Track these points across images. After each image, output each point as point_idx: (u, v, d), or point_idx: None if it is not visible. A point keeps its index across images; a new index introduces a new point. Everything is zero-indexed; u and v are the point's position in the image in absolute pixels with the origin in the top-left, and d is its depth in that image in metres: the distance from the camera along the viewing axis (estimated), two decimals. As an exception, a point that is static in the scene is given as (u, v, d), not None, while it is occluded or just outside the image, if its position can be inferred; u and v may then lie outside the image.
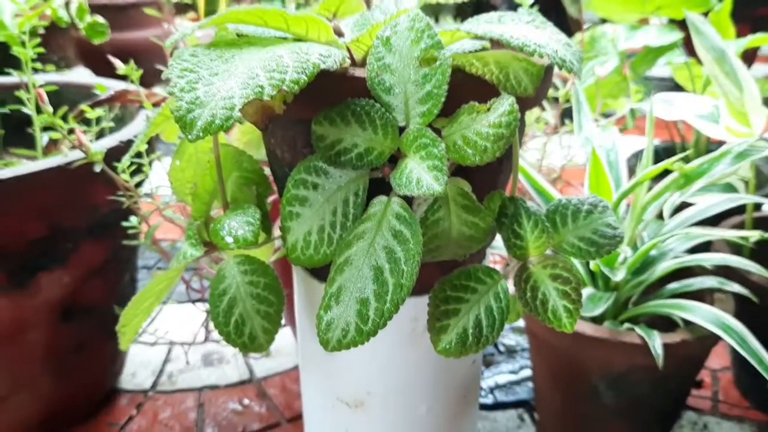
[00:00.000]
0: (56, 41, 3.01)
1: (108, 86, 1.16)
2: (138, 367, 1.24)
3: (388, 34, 0.50)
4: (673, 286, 0.96)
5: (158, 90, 1.10)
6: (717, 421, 1.11)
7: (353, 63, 0.57)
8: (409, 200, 0.52)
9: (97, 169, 0.79)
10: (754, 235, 0.87)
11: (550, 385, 0.99)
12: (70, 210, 0.93)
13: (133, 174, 0.88)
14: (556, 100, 1.20)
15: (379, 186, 0.53)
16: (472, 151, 0.48)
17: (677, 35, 1.37)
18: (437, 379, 0.67)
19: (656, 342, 0.83)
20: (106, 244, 1.00)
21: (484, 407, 1.14)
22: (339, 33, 0.57)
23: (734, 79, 1.02)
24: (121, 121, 1.13)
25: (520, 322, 1.35)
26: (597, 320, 0.94)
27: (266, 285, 0.60)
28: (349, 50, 0.56)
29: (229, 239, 0.58)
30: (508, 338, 1.31)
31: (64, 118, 1.00)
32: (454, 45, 0.56)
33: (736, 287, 0.93)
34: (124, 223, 0.91)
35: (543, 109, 1.17)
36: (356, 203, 0.54)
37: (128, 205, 0.86)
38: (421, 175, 0.47)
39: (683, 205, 1.01)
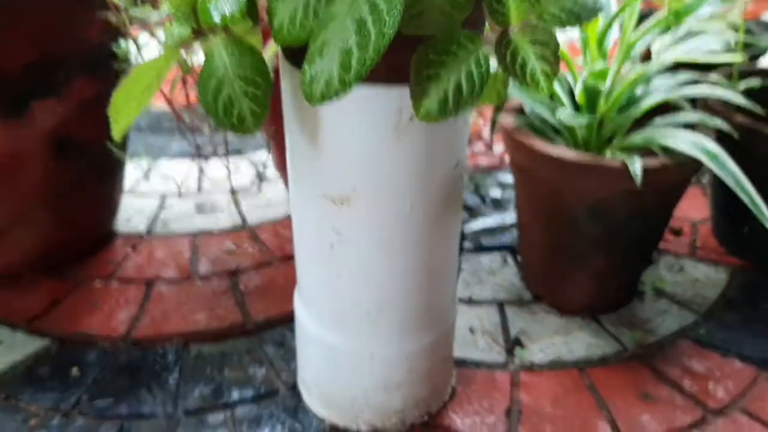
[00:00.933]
0: None
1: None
2: (133, 214, 1.27)
3: None
4: (658, 121, 0.98)
5: None
6: (693, 264, 1.15)
7: None
8: (393, -38, 0.52)
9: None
10: (738, 60, 0.88)
11: (533, 220, 1.02)
12: (61, 36, 0.93)
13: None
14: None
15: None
16: None
17: None
18: (421, 175, 0.69)
19: (636, 165, 0.85)
20: (98, 78, 1.01)
21: (469, 250, 1.18)
22: None
23: None
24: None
25: (508, 178, 1.37)
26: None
27: (253, 66, 0.61)
28: None
29: (216, 15, 0.59)
30: (494, 191, 1.34)
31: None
32: None
33: (719, 122, 0.95)
34: (115, 49, 0.91)
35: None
36: (341, -28, 0.55)
37: (117, 25, 0.86)
38: None
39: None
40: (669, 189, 0.94)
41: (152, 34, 0.87)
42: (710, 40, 1.00)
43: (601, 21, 0.92)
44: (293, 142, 0.73)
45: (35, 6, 0.88)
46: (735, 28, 1.14)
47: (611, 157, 0.90)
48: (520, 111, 1.02)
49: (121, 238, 1.21)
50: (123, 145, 1.14)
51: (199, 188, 1.35)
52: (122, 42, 0.90)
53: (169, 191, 1.34)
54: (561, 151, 0.90)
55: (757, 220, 0.84)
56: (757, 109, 0.96)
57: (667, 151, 0.91)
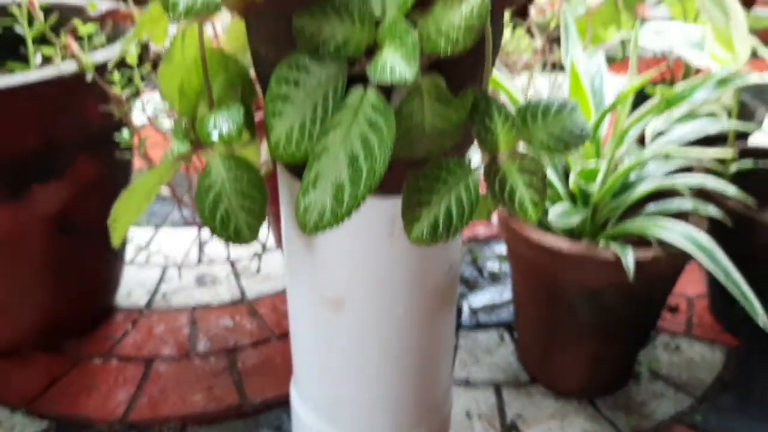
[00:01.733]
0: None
1: (99, 5, 1.17)
2: (133, 287, 1.28)
3: (366, -70, 0.52)
4: (651, 208, 0.99)
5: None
6: (689, 343, 1.15)
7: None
8: (386, 94, 0.54)
9: (89, 77, 0.81)
10: (729, 154, 0.89)
11: (529, 303, 1.03)
12: (64, 122, 0.95)
13: (124, 88, 0.90)
14: (545, 28, 1.22)
15: (357, 83, 0.56)
16: (444, 42, 0.50)
17: (671, -32, 1.37)
18: (414, 281, 0.71)
19: (629, 258, 0.87)
20: (100, 160, 1.03)
21: (466, 327, 1.18)
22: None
23: (721, 6, 1.03)
24: (113, 41, 1.14)
25: (503, 250, 1.38)
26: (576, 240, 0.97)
27: (250, 181, 0.63)
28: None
29: (214, 134, 0.60)
30: (492, 264, 1.35)
31: (57, 31, 1.01)
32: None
33: (711, 210, 0.96)
34: (117, 137, 0.94)
35: (532, 35, 1.19)
36: (335, 98, 0.57)
37: (120, 117, 0.88)
38: (394, 63, 0.49)
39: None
40: (662, 279, 0.95)
41: (154, 126, 0.90)
42: (704, 123, 1.02)
43: (593, 112, 0.94)
44: (289, 243, 0.74)
45: (39, 95, 0.90)
46: (729, 111, 1.17)
47: (604, 246, 0.91)
48: (515, 195, 1.03)
49: (122, 312, 1.22)
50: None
51: (200, 259, 1.36)
52: (124, 131, 0.92)
53: (170, 262, 1.35)
54: (555, 241, 0.91)
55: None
56: (747, 199, 0.97)
57: (660, 240, 0.92)
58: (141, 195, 0.67)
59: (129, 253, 1.35)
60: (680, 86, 0.98)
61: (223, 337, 1.16)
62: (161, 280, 1.31)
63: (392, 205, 0.65)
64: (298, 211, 0.53)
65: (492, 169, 0.56)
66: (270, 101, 0.59)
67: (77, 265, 1.09)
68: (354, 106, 0.53)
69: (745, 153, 1.19)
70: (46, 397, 1.04)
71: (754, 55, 1.06)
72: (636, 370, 1.09)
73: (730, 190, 0.95)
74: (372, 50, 0.53)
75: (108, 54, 0.95)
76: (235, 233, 0.64)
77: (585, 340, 0.99)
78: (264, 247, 1.14)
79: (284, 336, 1.16)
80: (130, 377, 1.07)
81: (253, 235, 0.65)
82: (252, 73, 0.68)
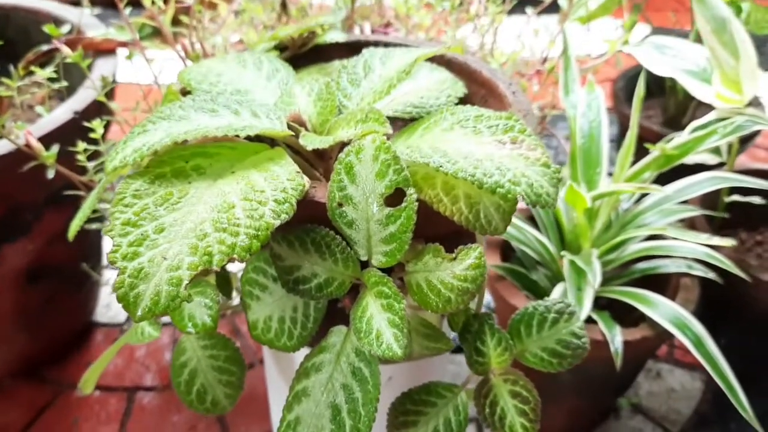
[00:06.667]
0: None
1: (61, 19, 1.07)
2: (112, 299, 1.26)
3: (351, 161, 0.46)
4: (642, 266, 0.96)
5: (112, 33, 1.02)
6: (670, 369, 1.17)
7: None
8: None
9: (50, 175, 0.75)
10: (727, 244, 0.86)
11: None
12: (27, 187, 0.89)
13: (90, 158, 0.83)
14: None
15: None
16: (436, 299, 0.46)
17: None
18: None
19: (617, 339, 0.85)
20: (66, 211, 0.97)
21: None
22: (300, 122, 0.52)
23: (732, 49, 0.95)
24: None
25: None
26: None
27: (227, 357, 0.60)
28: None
29: (189, 326, 0.56)
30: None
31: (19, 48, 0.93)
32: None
33: (702, 272, 0.94)
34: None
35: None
36: (317, 307, 0.53)
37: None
38: (381, 327, 0.45)
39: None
40: (649, 351, 0.95)
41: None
42: (703, 181, 0.98)
43: (588, 199, 0.88)
44: (274, 400, 0.72)
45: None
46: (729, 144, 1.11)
47: (591, 319, 0.89)
48: (506, 246, 1.00)
49: (101, 330, 1.20)
50: (98, 261, 1.11)
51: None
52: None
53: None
54: (543, 316, 0.89)
55: (733, 333, 0.85)
56: (735, 270, 0.93)
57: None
58: (107, 357, 0.63)
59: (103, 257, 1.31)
60: (682, 140, 0.93)
61: (206, 361, 1.16)
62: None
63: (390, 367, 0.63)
64: (278, 453, 0.50)
65: (482, 390, 0.53)
66: (247, 283, 0.55)
67: (50, 306, 1.06)
68: (336, 349, 0.49)
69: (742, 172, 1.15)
70: (30, 436, 1.04)
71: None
72: (617, 403, 1.11)
73: (722, 263, 0.92)
74: (355, 284, 0.49)
75: (68, 110, 0.88)
76: (212, 405, 0.62)
77: (566, 398, 0.99)
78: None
79: (267, 361, 1.16)
80: (113, 412, 1.07)
81: (232, 403, 0.63)
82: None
